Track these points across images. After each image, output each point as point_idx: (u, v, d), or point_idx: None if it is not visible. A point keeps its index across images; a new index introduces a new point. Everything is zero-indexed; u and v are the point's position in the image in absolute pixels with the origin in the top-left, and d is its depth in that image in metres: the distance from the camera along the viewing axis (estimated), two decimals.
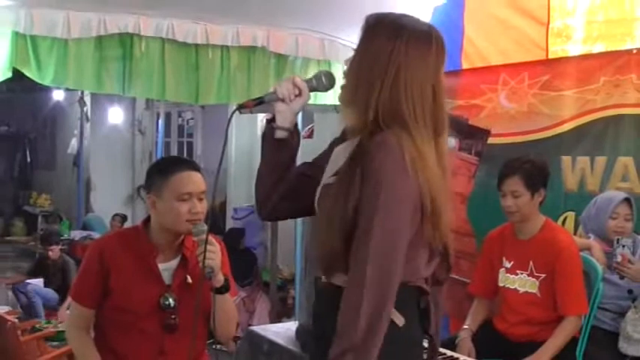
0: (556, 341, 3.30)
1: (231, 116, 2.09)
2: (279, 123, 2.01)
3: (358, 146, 1.86)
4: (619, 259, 3.42)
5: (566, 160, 4.21)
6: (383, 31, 1.87)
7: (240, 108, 2.04)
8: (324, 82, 2.06)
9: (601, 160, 4.04)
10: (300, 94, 2.02)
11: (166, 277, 2.72)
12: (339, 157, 1.96)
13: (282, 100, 1.99)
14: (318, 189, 1.98)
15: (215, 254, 2.55)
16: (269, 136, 2.03)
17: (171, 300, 2.68)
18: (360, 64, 1.89)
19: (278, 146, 2.03)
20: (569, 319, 3.35)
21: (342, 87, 1.95)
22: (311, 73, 5.08)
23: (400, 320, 1.87)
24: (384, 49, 1.84)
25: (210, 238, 2.57)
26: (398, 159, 1.78)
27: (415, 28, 1.89)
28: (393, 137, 1.80)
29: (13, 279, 7.76)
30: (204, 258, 2.43)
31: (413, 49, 1.85)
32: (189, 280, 2.73)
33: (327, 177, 1.96)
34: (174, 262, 2.75)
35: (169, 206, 2.65)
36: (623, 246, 3.49)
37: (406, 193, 1.79)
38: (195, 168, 2.75)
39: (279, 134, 2.02)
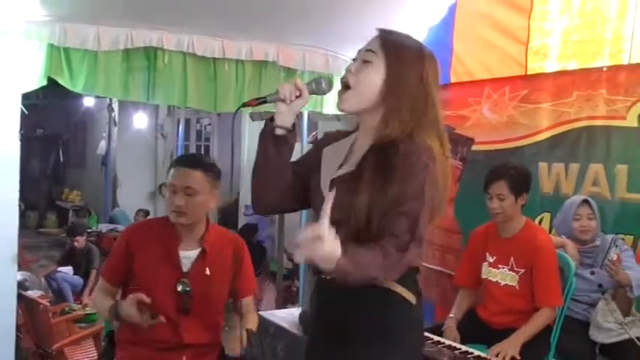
0: (529, 329, 3.30)
1: (236, 112, 2.10)
2: (280, 122, 1.94)
3: (388, 148, 1.83)
4: (614, 257, 3.41)
5: (542, 166, 4.20)
6: (409, 54, 1.88)
7: (244, 106, 2.01)
8: (324, 86, 2.00)
9: (574, 167, 4.03)
10: (300, 96, 1.95)
11: (185, 264, 2.74)
12: (340, 153, 1.97)
13: (284, 101, 1.92)
14: (325, 182, 1.94)
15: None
16: (269, 134, 1.95)
17: (186, 286, 2.70)
18: (399, 82, 1.86)
19: (278, 144, 1.95)
20: (544, 309, 3.35)
21: (397, 99, 1.88)
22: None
23: (413, 299, 1.92)
24: (416, 73, 1.86)
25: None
26: (436, 160, 1.84)
27: (430, 52, 1.93)
28: (426, 144, 1.84)
29: (48, 269, 7.75)
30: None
31: (433, 72, 1.90)
32: (208, 272, 2.74)
33: (335, 170, 1.94)
34: (194, 253, 2.77)
35: (167, 196, 2.76)
36: (617, 246, 3.52)
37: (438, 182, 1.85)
38: (195, 166, 2.73)
39: (279, 132, 1.94)
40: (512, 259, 3.49)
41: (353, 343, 1.89)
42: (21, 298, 5.01)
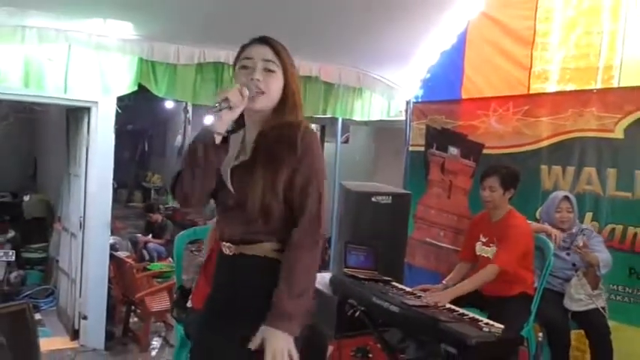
0: (469, 283, 3.32)
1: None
2: (220, 129, 1.71)
3: (275, 133, 1.75)
4: (580, 243, 3.44)
5: (543, 168, 4.19)
6: (290, 57, 1.82)
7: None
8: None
9: (570, 169, 4.03)
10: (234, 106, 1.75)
11: None
12: (234, 146, 1.82)
13: (231, 108, 1.69)
14: (227, 171, 1.78)
15: None
16: (211, 142, 1.69)
17: None
18: (292, 82, 1.81)
19: (217, 151, 1.71)
20: (489, 266, 3.33)
21: (290, 95, 1.80)
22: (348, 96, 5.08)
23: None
24: (296, 71, 1.84)
25: None
26: (315, 136, 1.80)
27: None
28: (306, 123, 1.79)
29: (144, 239, 7.89)
30: None
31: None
32: None
33: (232, 161, 1.79)
34: None
35: None
36: (584, 234, 3.52)
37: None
38: None
39: (218, 139, 1.71)
40: (496, 238, 3.50)
41: (244, 314, 1.74)
42: (112, 257, 5.16)
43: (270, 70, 1.77)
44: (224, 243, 1.82)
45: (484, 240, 3.60)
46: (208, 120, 1.82)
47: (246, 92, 1.70)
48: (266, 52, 1.78)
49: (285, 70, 1.79)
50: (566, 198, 3.68)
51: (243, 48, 1.82)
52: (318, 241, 1.71)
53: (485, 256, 3.57)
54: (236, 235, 1.78)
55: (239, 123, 1.80)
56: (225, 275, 1.83)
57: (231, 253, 1.80)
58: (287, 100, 1.79)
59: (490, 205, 3.53)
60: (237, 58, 1.83)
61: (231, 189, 1.77)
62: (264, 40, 1.80)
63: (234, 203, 1.76)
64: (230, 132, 1.76)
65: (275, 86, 1.77)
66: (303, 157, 1.71)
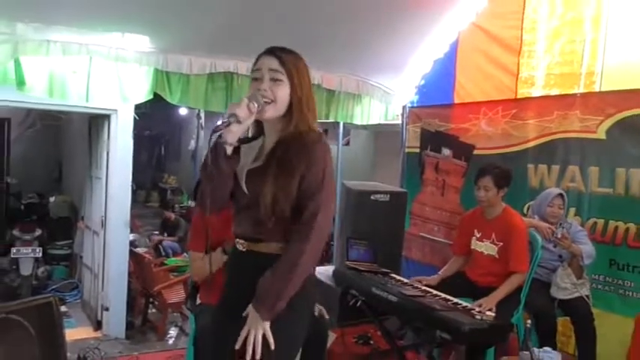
0: (505, 288, 3.29)
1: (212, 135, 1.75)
2: (231, 140, 1.69)
3: (290, 142, 1.76)
4: (560, 235, 3.44)
5: (530, 167, 4.19)
6: (300, 66, 1.81)
7: (215, 131, 1.70)
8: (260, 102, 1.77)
9: (555, 168, 4.03)
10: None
11: None
12: (253, 151, 1.84)
13: (240, 122, 1.69)
14: (243, 174, 1.80)
15: None
16: (222, 152, 1.69)
17: None
18: (301, 90, 1.79)
19: (229, 159, 1.71)
20: (516, 274, 3.35)
21: (298, 102, 1.79)
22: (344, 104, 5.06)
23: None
24: (307, 79, 1.82)
25: None
26: (327, 146, 1.79)
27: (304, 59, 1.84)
28: (320, 134, 1.78)
29: (157, 238, 7.90)
30: None
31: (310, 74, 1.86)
32: None
33: (250, 164, 1.81)
34: None
35: None
36: (563, 227, 3.52)
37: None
38: None
39: (229, 150, 1.70)
40: (493, 234, 3.50)
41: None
42: (132, 253, 5.18)
43: (276, 80, 1.77)
44: (238, 240, 1.85)
45: (478, 235, 3.60)
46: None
47: (254, 107, 1.71)
48: (272, 62, 1.78)
49: (292, 78, 1.78)
50: (560, 195, 3.67)
51: (256, 60, 1.84)
52: (310, 244, 1.70)
53: (479, 250, 3.58)
54: (248, 233, 1.80)
55: (260, 130, 1.83)
56: (238, 269, 1.86)
57: (243, 249, 1.83)
58: (295, 106, 1.79)
59: (485, 203, 3.53)
60: (252, 70, 1.84)
61: (245, 190, 1.78)
62: (270, 51, 1.81)
63: (247, 204, 1.78)
64: (245, 140, 1.77)
65: (282, 94, 1.77)
66: (314, 166, 1.72)
